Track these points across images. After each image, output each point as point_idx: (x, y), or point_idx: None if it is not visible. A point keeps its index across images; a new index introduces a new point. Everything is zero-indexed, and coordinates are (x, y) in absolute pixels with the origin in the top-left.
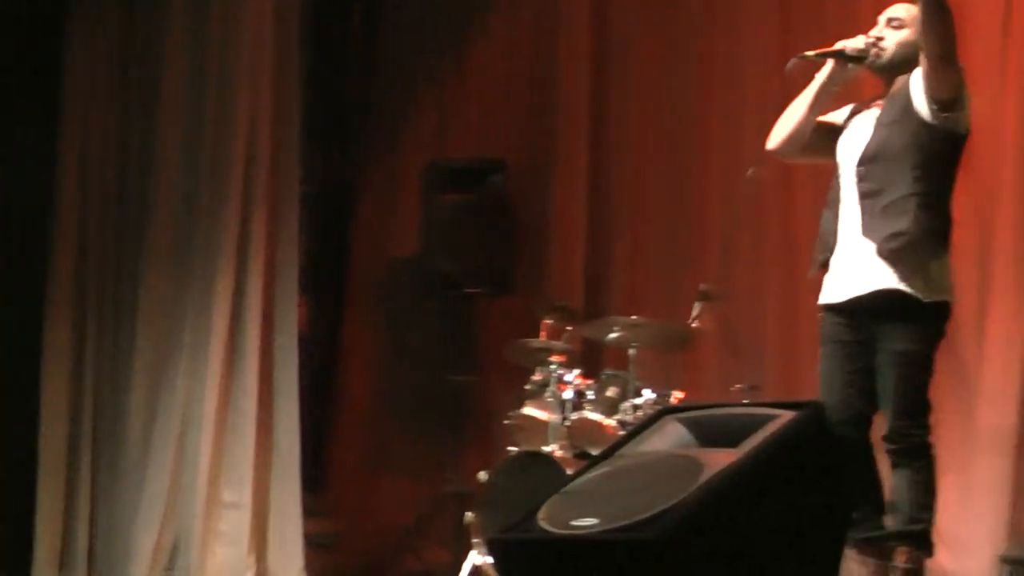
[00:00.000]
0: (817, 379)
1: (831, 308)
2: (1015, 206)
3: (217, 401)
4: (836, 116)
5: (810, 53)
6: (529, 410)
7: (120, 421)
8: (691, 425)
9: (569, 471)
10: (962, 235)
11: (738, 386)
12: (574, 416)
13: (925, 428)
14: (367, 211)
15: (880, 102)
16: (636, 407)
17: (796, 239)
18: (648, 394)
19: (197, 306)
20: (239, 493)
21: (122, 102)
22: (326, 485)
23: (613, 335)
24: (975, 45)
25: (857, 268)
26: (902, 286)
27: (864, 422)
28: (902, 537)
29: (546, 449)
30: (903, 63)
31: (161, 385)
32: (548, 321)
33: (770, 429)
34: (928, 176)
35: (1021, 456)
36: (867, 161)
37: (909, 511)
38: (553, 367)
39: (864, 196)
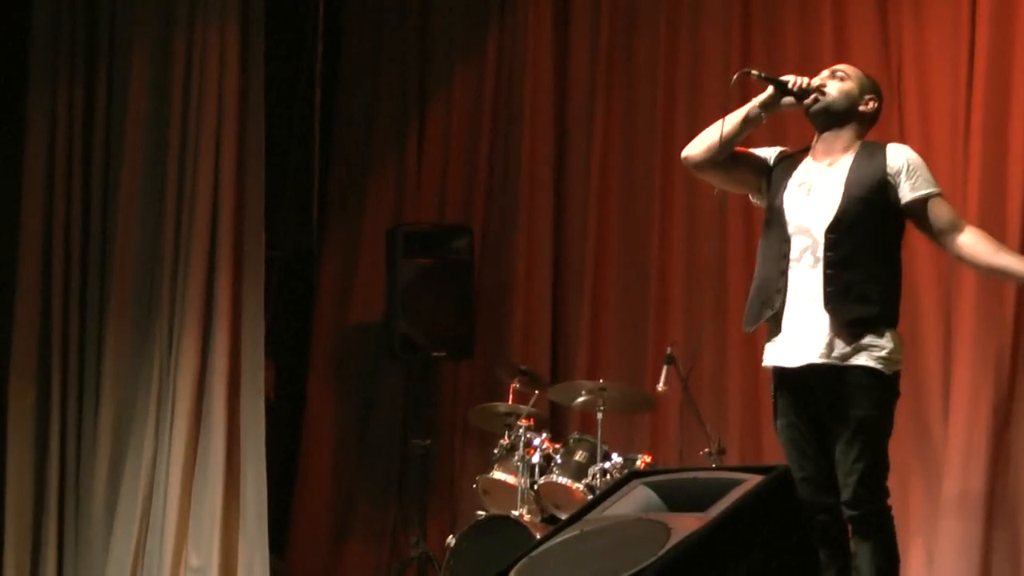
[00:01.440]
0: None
1: (785, 374)
2: (977, 277)
3: (183, 465)
4: (765, 153)
5: (755, 72)
6: (497, 474)
7: (85, 485)
8: (659, 489)
9: (537, 535)
10: (928, 302)
11: (705, 450)
12: (542, 480)
13: (884, 492)
14: (331, 275)
15: (822, 156)
16: (604, 471)
17: None
18: (616, 458)
19: (162, 370)
20: (205, 557)
21: (85, 166)
22: (292, 550)
23: (580, 399)
24: (937, 109)
25: (814, 336)
26: (863, 361)
27: (837, 489)
28: None
29: (514, 513)
30: (839, 114)
31: (127, 449)
32: (515, 385)
33: (737, 494)
34: (891, 252)
35: (988, 521)
36: (838, 229)
37: None
38: (521, 431)
39: (830, 265)
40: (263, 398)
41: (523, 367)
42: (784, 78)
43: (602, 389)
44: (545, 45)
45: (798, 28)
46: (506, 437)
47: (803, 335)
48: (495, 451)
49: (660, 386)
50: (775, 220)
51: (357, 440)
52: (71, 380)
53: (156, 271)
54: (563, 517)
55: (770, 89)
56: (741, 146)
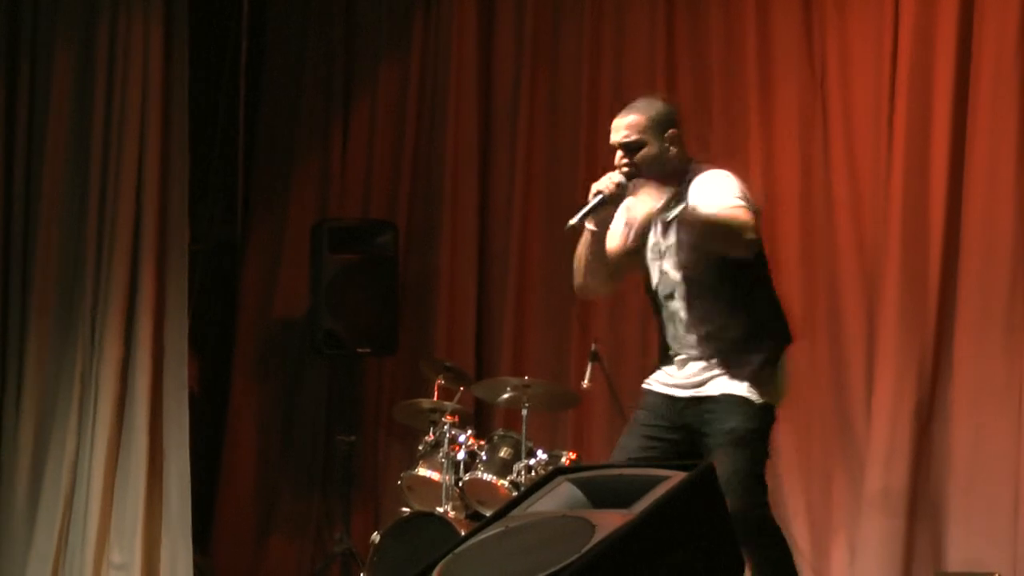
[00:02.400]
0: None
1: (655, 394)
2: (900, 277)
3: (106, 459)
4: (616, 230)
5: (574, 220)
6: (421, 471)
7: (6, 480)
8: (583, 486)
9: (462, 532)
10: (852, 302)
11: None
12: (466, 477)
13: (764, 506)
14: (255, 270)
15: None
16: (528, 468)
17: None
18: (540, 455)
19: (85, 363)
20: (128, 554)
21: (6, 158)
22: (215, 545)
23: (505, 396)
24: (860, 104)
25: (688, 370)
26: (734, 389)
27: None
28: None
29: (439, 510)
30: (659, 169)
31: (49, 443)
32: (440, 381)
33: (661, 490)
34: (744, 285)
35: (910, 517)
36: (687, 284)
37: None
38: (445, 428)
39: (691, 323)
40: (187, 392)
41: (447, 363)
42: (593, 197)
43: (527, 386)
44: (470, 40)
45: (722, 20)
46: (431, 433)
47: (681, 369)
48: (420, 447)
49: (585, 383)
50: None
51: (281, 435)
52: None
53: (79, 264)
54: (487, 514)
55: (592, 210)
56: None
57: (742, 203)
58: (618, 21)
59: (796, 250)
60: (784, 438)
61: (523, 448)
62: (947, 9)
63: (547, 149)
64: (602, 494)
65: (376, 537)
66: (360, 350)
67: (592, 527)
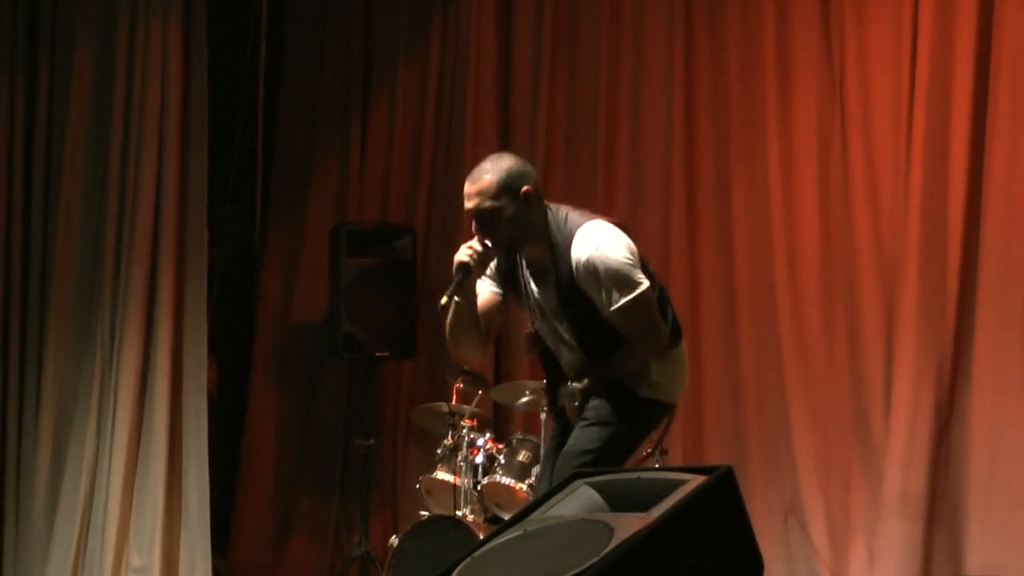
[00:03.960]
0: (722, 441)
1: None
2: (919, 280)
3: (125, 463)
4: (488, 290)
5: (445, 299)
6: (440, 474)
7: (26, 483)
8: (602, 489)
9: (480, 535)
10: (870, 305)
11: (648, 450)
12: (485, 480)
13: None
14: (274, 273)
15: (532, 279)
16: None
17: (699, 306)
18: None
19: (104, 367)
20: (147, 557)
21: (26, 162)
22: (234, 548)
23: (523, 399)
24: (879, 109)
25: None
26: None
27: None
28: None
29: (457, 513)
30: (520, 235)
31: (68, 447)
32: (458, 385)
33: (680, 494)
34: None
35: (929, 521)
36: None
37: None
38: (464, 431)
39: (570, 347)
40: (205, 395)
41: (465, 367)
42: (457, 272)
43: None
44: (488, 43)
45: (740, 23)
46: (449, 437)
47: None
48: (438, 451)
49: None
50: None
51: (299, 438)
52: (11, 377)
53: (98, 267)
54: (506, 517)
55: (459, 284)
56: (475, 309)
57: (638, 291)
58: (636, 25)
59: (815, 253)
60: (802, 441)
61: (541, 451)
62: (966, 12)
63: (565, 152)
64: (621, 497)
65: (395, 540)
66: (379, 354)
67: (611, 530)
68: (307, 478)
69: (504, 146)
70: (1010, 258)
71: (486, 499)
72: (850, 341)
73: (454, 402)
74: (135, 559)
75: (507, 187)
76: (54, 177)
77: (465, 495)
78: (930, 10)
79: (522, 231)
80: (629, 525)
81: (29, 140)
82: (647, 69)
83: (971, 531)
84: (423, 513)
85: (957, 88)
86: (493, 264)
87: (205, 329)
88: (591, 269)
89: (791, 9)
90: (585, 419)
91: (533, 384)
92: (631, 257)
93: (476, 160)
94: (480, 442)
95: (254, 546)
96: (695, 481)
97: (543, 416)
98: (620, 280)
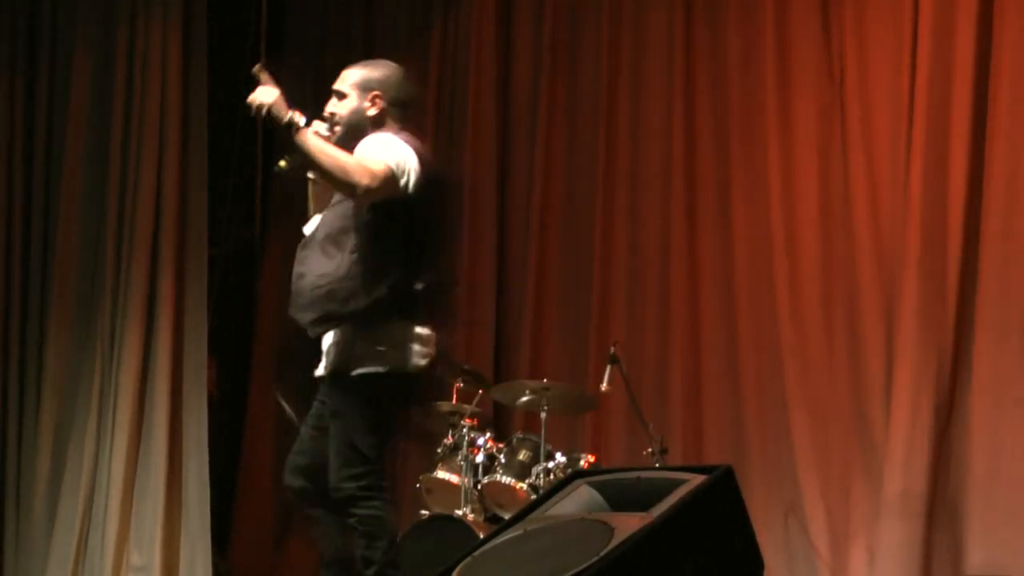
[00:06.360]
0: (721, 440)
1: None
2: (919, 280)
3: (125, 462)
4: None
5: (283, 163)
6: (441, 473)
7: (26, 482)
8: (602, 489)
9: (480, 535)
10: (870, 304)
11: (648, 450)
12: (485, 480)
13: (357, 480)
14: (274, 272)
15: None
16: (547, 470)
17: (699, 305)
18: (559, 457)
19: (104, 367)
20: (148, 556)
21: (26, 163)
22: (234, 548)
23: (524, 399)
24: (879, 107)
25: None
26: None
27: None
28: None
29: (458, 513)
30: (356, 130)
31: (68, 446)
32: (459, 385)
33: (680, 493)
34: (370, 253)
35: (929, 521)
36: (305, 246)
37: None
38: (464, 430)
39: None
40: (206, 395)
41: (466, 366)
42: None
43: (545, 389)
44: (488, 42)
45: (740, 23)
46: (449, 436)
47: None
48: (438, 450)
49: (603, 386)
50: None
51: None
52: (11, 377)
53: (98, 268)
54: (506, 517)
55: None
56: None
57: (380, 160)
58: (636, 26)
59: (815, 253)
60: (802, 441)
61: (542, 451)
62: (966, 11)
63: (565, 154)
64: (621, 497)
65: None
66: None
67: (611, 530)
68: None
69: (504, 149)
70: (1010, 258)
71: (487, 498)
72: (850, 341)
73: (454, 401)
74: (135, 558)
75: (364, 83)
76: (53, 181)
77: (466, 494)
78: (930, 10)
79: (357, 127)
80: (629, 524)
81: (29, 143)
82: (647, 72)
83: (971, 531)
84: (423, 512)
85: (957, 87)
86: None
87: (205, 329)
88: (372, 137)
89: (791, 9)
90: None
91: (533, 383)
92: (396, 154)
93: (476, 159)
94: (480, 441)
95: (255, 545)
96: (695, 480)
97: (543, 415)
98: (372, 147)
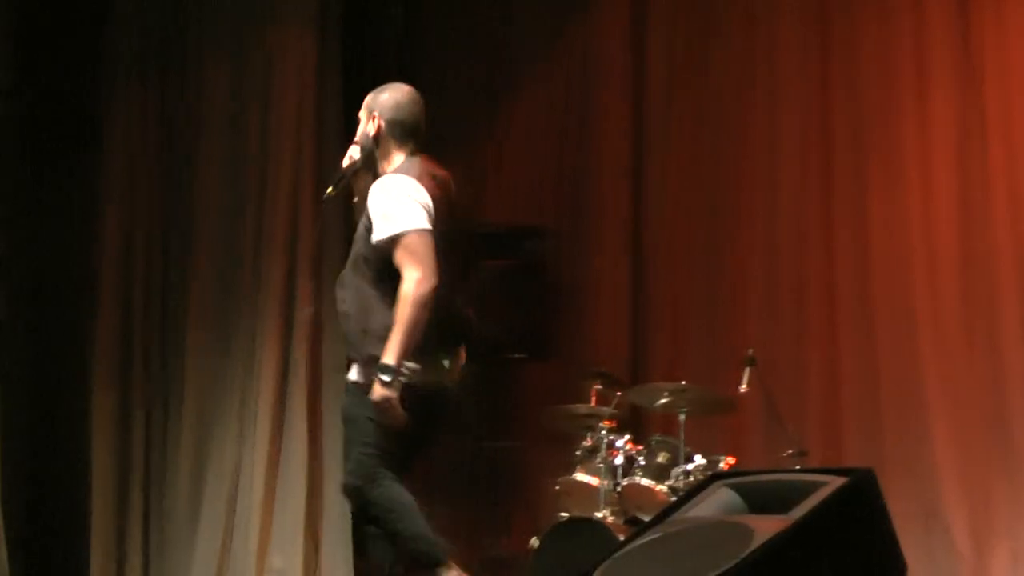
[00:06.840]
0: (860, 442)
1: None
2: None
3: (266, 466)
4: None
5: (331, 190)
6: (579, 476)
7: (170, 487)
8: (742, 491)
9: (620, 537)
10: (1011, 309)
11: (788, 452)
12: (625, 482)
13: (372, 486)
14: None
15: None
16: (687, 473)
17: (836, 307)
18: (699, 460)
19: (244, 371)
20: (289, 559)
21: (164, 172)
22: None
23: (661, 401)
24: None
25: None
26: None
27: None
28: None
29: (597, 515)
30: (367, 152)
31: (210, 451)
32: (597, 387)
33: (821, 495)
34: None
35: None
36: (341, 284)
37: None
38: (603, 433)
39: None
40: None
41: (601, 369)
42: (346, 161)
43: (683, 391)
44: (622, 45)
45: (877, 23)
46: (588, 439)
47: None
48: (576, 452)
49: (742, 387)
50: None
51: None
52: (154, 384)
53: (236, 275)
54: (646, 519)
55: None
56: None
57: (409, 246)
58: (771, 30)
59: (954, 253)
60: (942, 445)
61: (681, 453)
62: None
63: (700, 153)
64: (760, 499)
65: (535, 541)
66: (514, 355)
67: (750, 532)
68: (440, 481)
69: (639, 149)
70: None
71: (625, 500)
72: (989, 342)
73: (592, 403)
74: (277, 561)
75: (368, 108)
76: (192, 188)
77: (604, 496)
78: None
79: (365, 149)
80: (769, 526)
81: (167, 152)
82: (781, 75)
83: None
84: (562, 514)
85: None
86: None
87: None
88: (373, 199)
89: (929, 12)
90: None
91: (671, 385)
92: (410, 199)
93: (610, 161)
94: (619, 443)
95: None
96: (836, 483)
97: (682, 417)
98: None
